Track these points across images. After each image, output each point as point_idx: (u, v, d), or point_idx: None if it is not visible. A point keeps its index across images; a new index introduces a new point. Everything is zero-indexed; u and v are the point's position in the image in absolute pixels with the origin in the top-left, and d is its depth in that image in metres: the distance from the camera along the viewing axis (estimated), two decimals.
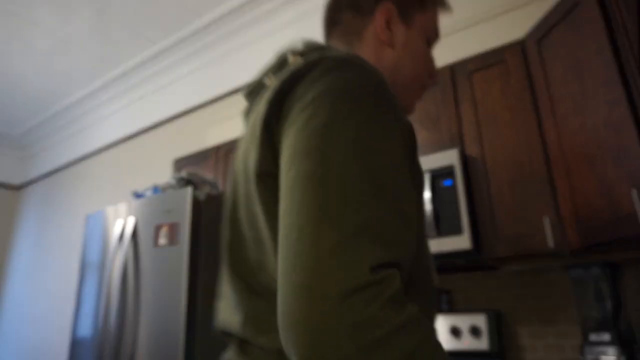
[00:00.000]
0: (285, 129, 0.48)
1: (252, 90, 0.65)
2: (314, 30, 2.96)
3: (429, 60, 0.69)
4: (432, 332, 0.41)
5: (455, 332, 1.77)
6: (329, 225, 0.39)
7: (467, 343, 1.74)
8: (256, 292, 0.53)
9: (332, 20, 0.69)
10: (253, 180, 0.52)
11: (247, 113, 0.67)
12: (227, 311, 0.57)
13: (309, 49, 0.59)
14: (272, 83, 0.55)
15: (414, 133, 0.52)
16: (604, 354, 1.38)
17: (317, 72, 0.49)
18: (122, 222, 2.26)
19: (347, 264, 0.37)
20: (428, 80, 0.69)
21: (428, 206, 1.67)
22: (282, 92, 0.50)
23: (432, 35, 0.69)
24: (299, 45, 0.60)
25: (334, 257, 0.37)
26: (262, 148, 0.50)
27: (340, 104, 0.45)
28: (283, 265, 0.40)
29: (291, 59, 0.58)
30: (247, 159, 0.54)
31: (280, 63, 0.60)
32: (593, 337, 1.44)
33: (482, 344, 1.70)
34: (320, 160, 0.42)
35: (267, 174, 0.50)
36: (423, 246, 0.52)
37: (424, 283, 0.52)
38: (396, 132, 0.46)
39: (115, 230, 2.26)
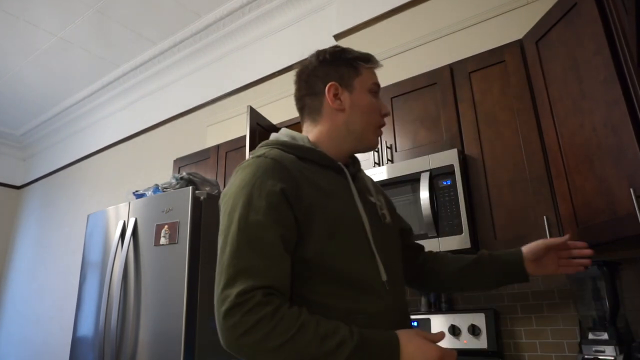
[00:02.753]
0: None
1: None
2: (314, 31, 2.97)
3: (376, 107, 0.95)
4: (296, 319, 0.71)
5: (454, 331, 1.77)
6: (223, 275, 0.74)
7: (467, 342, 1.74)
8: None
9: (300, 107, 0.97)
10: None
11: None
12: None
13: (257, 148, 0.91)
14: None
15: (285, 190, 0.79)
16: (602, 352, 1.39)
17: (235, 174, 0.86)
18: (122, 221, 2.27)
19: (226, 295, 0.72)
20: (381, 120, 0.96)
21: (427, 206, 1.67)
22: (222, 192, 0.87)
23: (373, 87, 0.95)
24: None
25: (223, 293, 0.73)
26: None
27: (230, 200, 0.81)
28: (216, 271, 0.78)
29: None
30: None
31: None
32: (591, 335, 1.45)
33: (481, 342, 1.71)
34: (222, 238, 0.79)
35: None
36: (334, 255, 0.81)
37: (356, 285, 0.81)
38: (264, 203, 0.77)
39: (116, 230, 2.27)
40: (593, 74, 1.38)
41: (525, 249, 1.04)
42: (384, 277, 0.85)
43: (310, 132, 0.95)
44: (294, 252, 0.79)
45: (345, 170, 0.92)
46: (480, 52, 1.88)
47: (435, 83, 1.95)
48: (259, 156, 0.85)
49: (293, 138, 0.92)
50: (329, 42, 2.81)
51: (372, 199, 0.96)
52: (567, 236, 1.04)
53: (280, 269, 0.76)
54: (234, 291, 0.71)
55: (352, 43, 2.60)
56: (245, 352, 0.71)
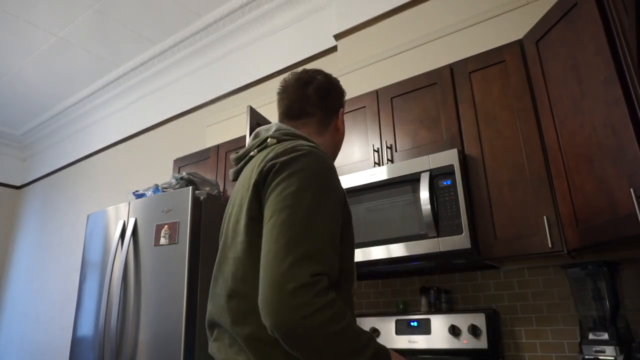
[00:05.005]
0: (268, 192, 0.79)
1: (240, 158, 0.99)
2: (314, 31, 2.97)
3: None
4: (346, 311, 0.72)
5: (454, 331, 1.77)
6: (291, 252, 0.70)
7: (467, 342, 1.74)
8: (231, 295, 0.81)
9: (304, 111, 1.02)
10: (243, 220, 0.83)
11: (237, 172, 0.99)
12: (214, 308, 0.87)
13: (282, 136, 0.92)
14: (258, 157, 0.89)
15: (345, 195, 0.85)
16: (602, 352, 1.39)
17: (290, 156, 0.81)
18: (122, 221, 2.27)
19: (296, 273, 0.69)
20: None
21: (427, 206, 1.67)
22: (269, 167, 0.81)
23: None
24: (274, 129, 0.95)
25: (291, 270, 0.69)
26: (251, 201, 0.82)
27: (303, 180, 0.77)
28: (262, 273, 0.72)
29: (270, 141, 0.90)
30: (241, 206, 0.85)
31: (262, 143, 0.93)
32: (591, 335, 1.45)
33: (481, 343, 1.71)
34: (289, 213, 0.74)
35: (252, 218, 0.81)
36: (352, 264, 0.86)
37: (348, 286, 0.85)
38: (333, 197, 0.79)
39: (116, 230, 2.27)
40: (593, 74, 1.38)
41: None
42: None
43: (313, 140, 0.99)
44: None
45: None
46: (480, 52, 1.88)
47: (435, 83, 1.95)
48: (314, 147, 0.86)
49: (313, 142, 0.93)
50: (329, 42, 2.82)
51: None
52: None
53: (337, 263, 0.77)
54: (305, 271, 0.69)
55: (352, 43, 2.60)
56: (306, 334, 0.68)
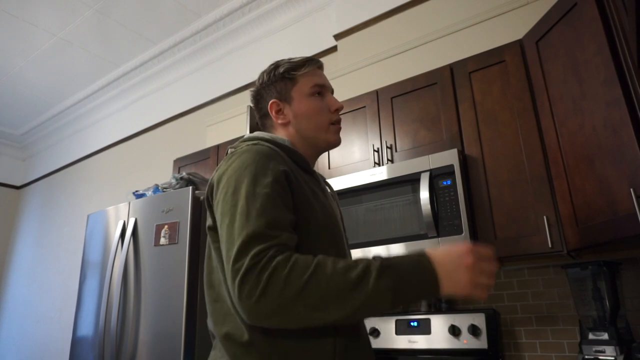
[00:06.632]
0: (215, 202, 0.83)
1: None
2: (314, 31, 2.97)
3: (320, 107, 0.98)
4: (311, 260, 0.70)
5: (454, 331, 1.77)
6: (234, 247, 0.71)
7: (467, 342, 1.74)
8: (215, 299, 0.85)
9: (262, 128, 1.03)
10: (207, 232, 0.88)
11: None
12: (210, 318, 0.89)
13: (239, 144, 0.93)
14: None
15: (288, 173, 0.83)
16: (602, 352, 1.39)
17: (226, 165, 0.84)
18: (122, 221, 2.27)
19: (239, 264, 0.69)
20: (332, 116, 0.98)
21: (427, 206, 1.67)
22: (211, 183, 0.87)
23: (313, 90, 0.98)
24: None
25: (235, 263, 0.70)
26: (209, 214, 0.88)
27: (236, 179, 0.80)
28: (224, 253, 0.75)
29: (227, 155, 0.92)
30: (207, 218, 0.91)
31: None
32: (591, 335, 1.45)
33: (481, 343, 1.71)
34: (231, 214, 0.76)
35: (210, 228, 0.86)
36: (328, 247, 0.84)
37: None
38: (267, 181, 0.78)
39: (116, 230, 2.27)
40: (593, 74, 1.38)
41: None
42: None
43: (276, 134, 1.00)
44: None
45: (318, 175, 1.00)
46: (480, 52, 1.88)
47: (435, 83, 1.95)
48: (254, 144, 0.87)
49: (274, 138, 0.94)
50: (329, 42, 2.82)
51: (335, 208, 1.00)
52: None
53: (292, 234, 0.75)
54: (245, 258, 0.68)
55: (352, 43, 2.60)
56: (271, 313, 0.66)
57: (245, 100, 3.16)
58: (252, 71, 3.22)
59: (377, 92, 2.11)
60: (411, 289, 0.70)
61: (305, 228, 0.80)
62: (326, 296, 0.67)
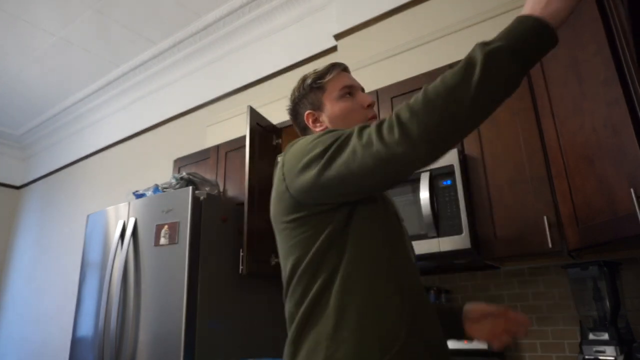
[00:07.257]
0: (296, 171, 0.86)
1: None
2: (314, 31, 2.97)
3: (353, 106, 1.01)
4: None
5: None
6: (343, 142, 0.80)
7: (467, 342, 1.74)
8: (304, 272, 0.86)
9: (301, 128, 1.07)
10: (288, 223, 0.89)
11: None
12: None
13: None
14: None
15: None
16: (603, 352, 1.39)
17: (288, 149, 0.90)
18: (122, 221, 2.27)
19: (366, 137, 0.78)
20: (367, 112, 1.01)
21: (427, 206, 1.67)
22: (278, 164, 0.92)
23: (342, 92, 1.01)
24: None
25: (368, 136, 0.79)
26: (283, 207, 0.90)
27: (312, 145, 0.83)
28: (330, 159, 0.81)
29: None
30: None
31: None
32: (592, 336, 1.45)
33: (482, 343, 1.71)
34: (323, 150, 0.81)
35: (293, 219, 0.88)
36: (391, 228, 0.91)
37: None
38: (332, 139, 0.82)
39: (116, 230, 2.27)
40: (593, 74, 1.38)
41: (468, 307, 1.01)
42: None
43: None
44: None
45: None
46: None
47: None
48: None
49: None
50: (329, 42, 2.81)
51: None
52: (505, 309, 0.99)
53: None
54: (366, 130, 0.78)
55: (352, 43, 2.60)
56: (423, 132, 0.75)
57: (245, 100, 3.16)
58: (252, 71, 3.22)
59: (377, 92, 2.11)
60: (519, 38, 0.71)
61: (372, 201, 0.87)
62: (449, 93, 0.73)
